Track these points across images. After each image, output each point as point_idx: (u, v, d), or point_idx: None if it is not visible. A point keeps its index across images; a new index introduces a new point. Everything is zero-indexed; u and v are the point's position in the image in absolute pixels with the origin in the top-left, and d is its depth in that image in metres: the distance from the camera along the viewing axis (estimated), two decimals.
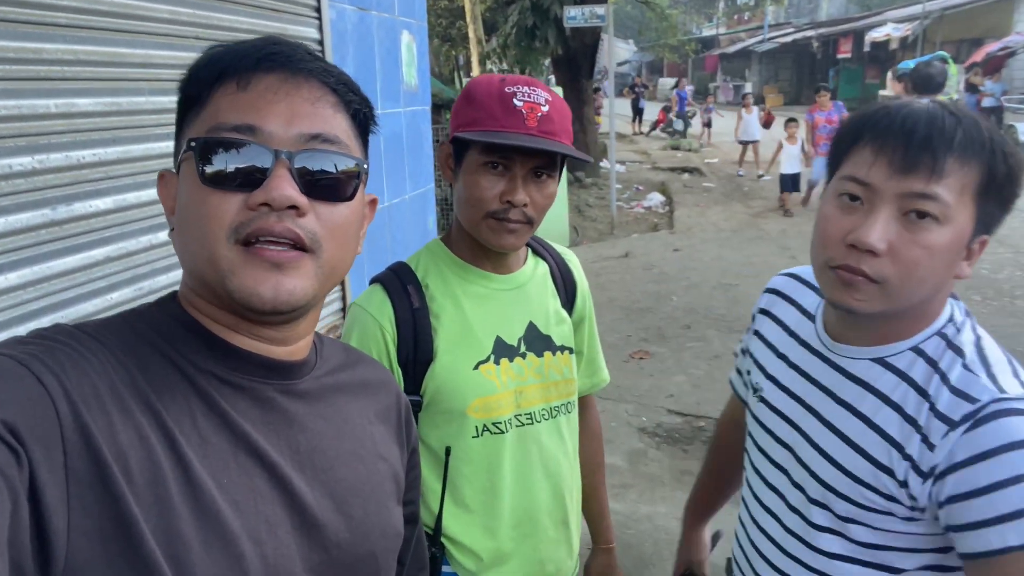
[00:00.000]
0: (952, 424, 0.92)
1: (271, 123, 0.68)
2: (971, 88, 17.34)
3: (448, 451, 1.27)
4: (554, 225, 8.57)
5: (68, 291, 1.81)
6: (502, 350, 1.30)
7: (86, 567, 0.56)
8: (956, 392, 0.94)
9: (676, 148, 17.28)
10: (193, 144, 0.67)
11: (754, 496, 1.23)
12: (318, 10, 2.91)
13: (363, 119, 0.78)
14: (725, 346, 5.33)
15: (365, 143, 0.80)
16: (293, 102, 0.69)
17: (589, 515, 1.56)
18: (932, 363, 0.98)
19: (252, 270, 0.66)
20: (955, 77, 14.26)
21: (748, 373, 1.28)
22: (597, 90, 18.50)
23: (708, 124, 18.82)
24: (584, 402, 1.55)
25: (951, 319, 1.02)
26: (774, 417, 1.17)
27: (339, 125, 0.73)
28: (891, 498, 0.98)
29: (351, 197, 0.73)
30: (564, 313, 1.41)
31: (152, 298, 0.75)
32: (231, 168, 0.66)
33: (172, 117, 0.75)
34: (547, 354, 1.35)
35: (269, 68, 0.70)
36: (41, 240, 1.76)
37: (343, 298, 3.19)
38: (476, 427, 1.26)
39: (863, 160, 0.95)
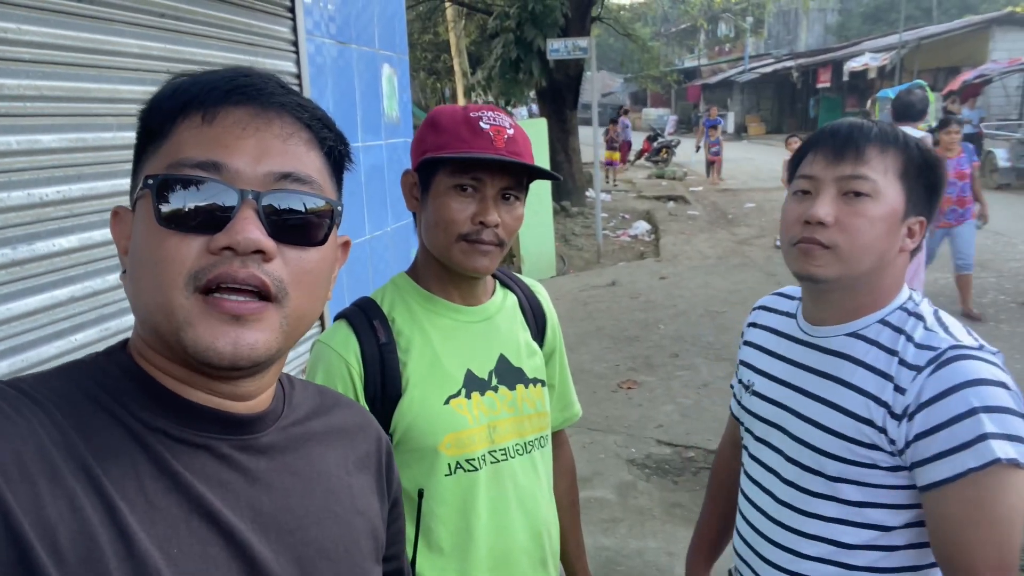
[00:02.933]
0: (918, 369, 1.10)
1: (238, 160, 0.63)
2: (948, 116, 17.65)
3: (421, 493, 1.22)
4: (541, 254, 8.56)
5: (29, 333, 1.75)
6: (473, 383, 1.26)
7: None
8: (920, 346, 1.12)
9: (661, 177, 17.43)
10: (151, 181, 0.62)
11: (751, 481, 1.35)
12: (295, 44, 2.90)
13: (338, 157, 0.73)
14: (713, 374, 5.29)
15: (339, 182, 0.75)
16: (263, 138, 0.65)
17: (564, 557, 1.51)
18: (897, 329, 1.16)
19: (210, 322, 0.61)
20: (933, 104, 14.53)
21: (741, 382, 1.42)
22: (614, 121, 18.58)
23: (714, 158, 16.55)
24: (557, 438, 1.51)
25: (910, 297, 1.21)
26: (765, 404, 1.32)
27: (312, 164, 0.68)
28: (873, 446, 1.13)
29: (323, 241, 0.68)
30: (535, 345, 1.39)
31: (118, 339, 0.69)
32: (191, 208, 0.61)
33: None
34: (519, 387, 1.31)
35: (238, 101, 0.65)
36: (5, 280, 1.70)
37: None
38: (448, 464, 1.22)
39: (807, 162, 1.20)
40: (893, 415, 1.11)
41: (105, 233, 1.94)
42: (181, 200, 0.61)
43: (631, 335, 6.36)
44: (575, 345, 6.04)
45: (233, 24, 2.52)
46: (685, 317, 6.81)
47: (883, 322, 1.18)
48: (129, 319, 2.03)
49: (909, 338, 1.14)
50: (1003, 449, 1.02)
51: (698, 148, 18.01)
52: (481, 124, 1.19)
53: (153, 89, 0.69)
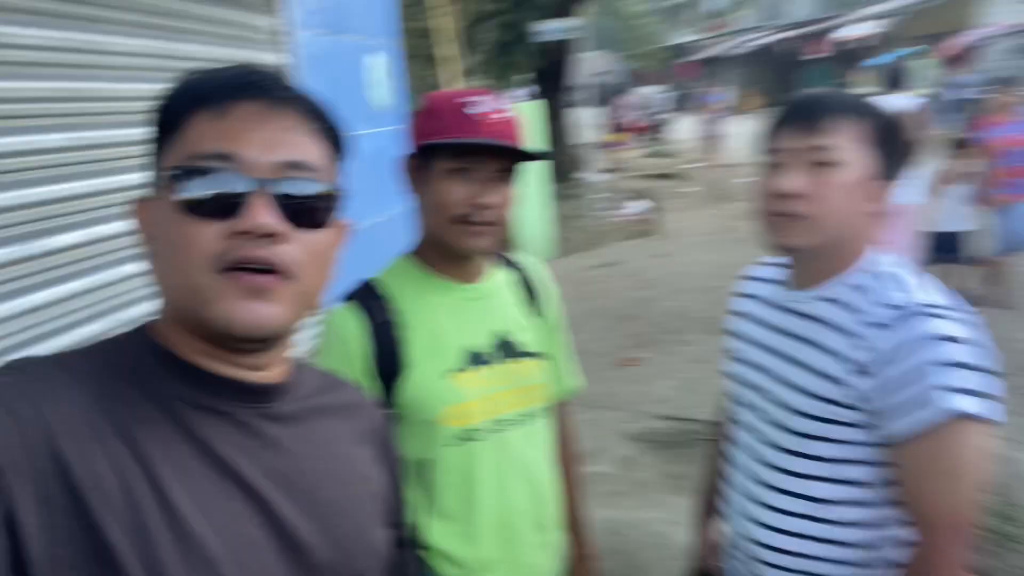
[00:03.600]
0: (882, 327, 1.14)
1: (249, 151, 0.68)
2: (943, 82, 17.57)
3: (425, 463, 1.29)
4: (539, 237, 8.60)
5: (44, 325, 1.82)
6: (472, 358, 1.32)
7: None
8: (883, 305, 1.16)
9: (657, 155, 17.40)
10: (170, 172, 0.68)
11: (734, 443, 1.40)
12: (286, 36, 2.94)
13: (339, 145, 0.79)
14: (712, 349, 5.31)
15: (340, 169, 0.81)
16: (271, 130, 0.70)
17: (567, 522, 1.57)
18: (862, 290, 1.21)
19: (230, 297, 0.67)
20: (928, 71, 14.46)
21: (730, 352, 1.47)
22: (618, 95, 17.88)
23: (710, 136, 16.32)
24: (560, 409, 1.57)
25: (881, 259, 1.25)
26: (747, 369, 1.38)
27: (316, 152, 0.74)
28: (840, 403, 1.18)
29: (328, 223, 0.74)
30: (532, 320, 1.44)
31: (127, 329, 0.75)
32: (209, 196, 0.67)
33: (140, 149, 0.76)
34: (516, 360, 1.37)
35: (247, 96, 0.70)
36: (15, 276, 1.77)
37: None
38: (449, 436, 1.28)
39: (775, 135, 1.24)
40: (858, 371, 1.15)
41: (111, 228, 2.00)
42: (199, 189, 0.67)
43: (629, 313, 6.42)
44: (575, 325, 6.04)
45: (225, 20, 2.56)
46: (682, 293, 6.86)
47: (852, 284, 1.22)
48: (134, 311, 2.10)
49: (875, 297, 1.18)
50: (960, 403, 1.05)
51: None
52: (472, 109, 1.23)
53: (150, 86, 0.74)
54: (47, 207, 1.88)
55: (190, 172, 0.67)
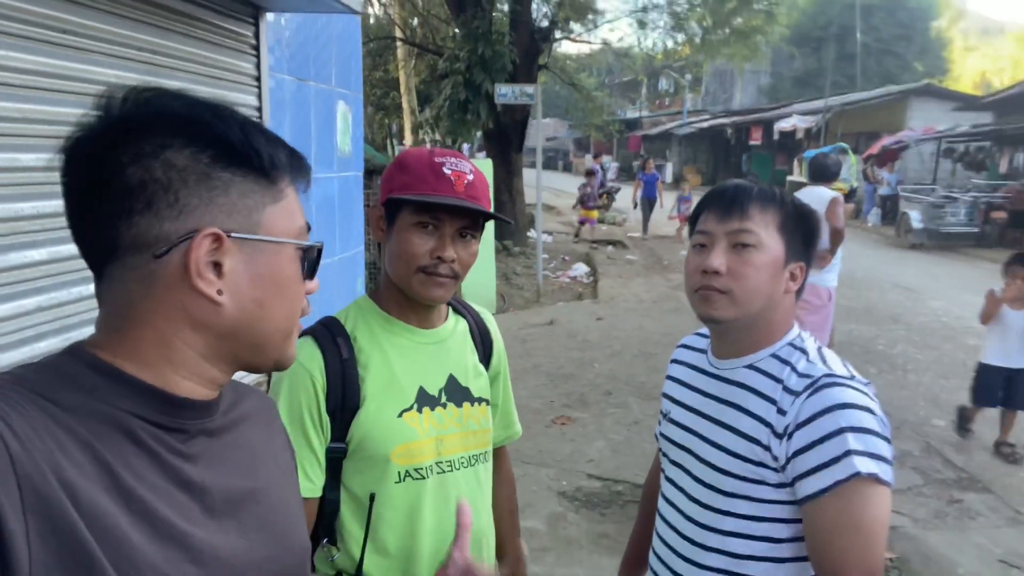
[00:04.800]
0: (797, 394, 1.24)
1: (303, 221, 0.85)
2: (867, 178, 18.74)
3: (372, 497, 1.32)
4: (482, 292, 8.69)
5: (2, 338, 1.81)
6: (424, 399, 1.38)
7: None
8: (800, 375, 1.27)
9: (601, 221, 17.84)
10: (308, 245, 0.83)
11: (664, 499, 1.47)
12: (258, 79, 3.03)
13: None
14: (644, 412, 5.49)
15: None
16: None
17: (503, 559, 1.63)
18: (784, 361, 1.32)
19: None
20: (855, 166, 15.39)
21: (661, 412, 1.55)
22: (591, 173, 15.90)
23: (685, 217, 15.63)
24: (498, 452, 1.64)
25: (799, 335, 1.37)
26: (677, 430, 1.46)
27: None
28: (761, 464, 1.27)
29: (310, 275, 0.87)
30: (481, 368, 1.52)
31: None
32: (314, 262, 0.84)
33: None
34: (466, 405, 1.43)
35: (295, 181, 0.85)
36: None
37: None
38: (399, 472, 1.33)
39: (702, 219, 1.37)
40: (776, 434, 1.24)
41: (72, 248, 1.98)
42: (310, 259, 0.82)
43: (567, 373, 6.53)
44: (513, 381, 6.07)
45: (202, 59, 2.64)
46: (619, 357, 7.02)
47: (774, 355, 1.32)
48: (87, 331, 2.08)
49: (793, 368, 1.28)
50: (865, 464, 1.14)
51: (635, 205, 16.82)
52: (444, 169, 1.31)
53: None
54: (12, 223, 1.89)
55: (315, 250, 0.83)
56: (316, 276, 0.83)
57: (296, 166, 0.81)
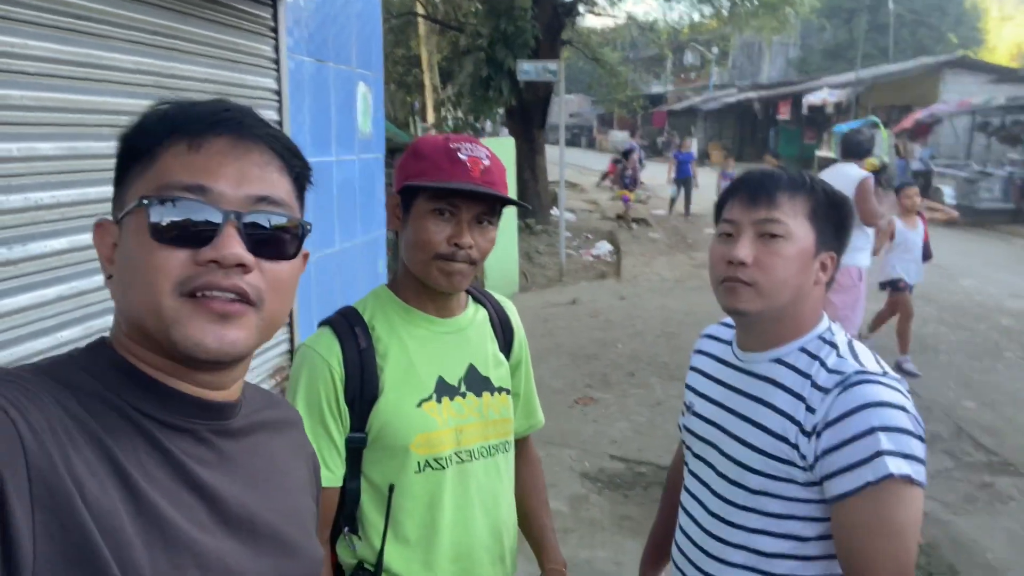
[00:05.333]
0: (827, 391, 1.20)
1: (221, 184, 0.72)
2: (899, 153, 18.34)
3: (392, 487, 1.33)
4: (504, 271, 8.69)
5: (21, 328, 1.83)
6: (443, 389, 1.37)
7: None
8: (830, 371, 1.23)
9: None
10: (145, 201, 0.70)
11: (688, 494, 1.45)
12: (276, 61, 3.01)
13: (302, 181, 0.84)
14: (667, 393, 5.46)
15: (303, 202, 0.86)
16: (243, 165, 0.74)
17: (531, 538, 1.62)
18: (813, 355, 1.28)
19: (197, 321, 0.70)
20: (887, 141, 15.06)
21: (684, 404, 1.52)
22: (629, 152, 15.14)
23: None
24: (522, 442, 1.63)
25: (828, 328, 1.32)
26: (701, 423, 1.43)
27: (283, 187, 0.78)
28: (789, 462, 1.24)
29: (293, 255, 0.78)
30: (502, 357, 1.50)
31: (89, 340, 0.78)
32: (182, 225, 0.70)
33: None
34: (486, 394, 1.42)
35: (221, 131, 0.73)
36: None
37: (291, 339, 3.23)
38: (418, 463, 1.33)
39: (728, 207, 1.32)
40: (804, 432, 1.20)
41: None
42: (173, 219, 0.70)
43: (589, 353, 6.51)
44: (535, 361, 6.10)
45: (220, 42, 2.63)
46: (642, 337, 6.99)
47: (802, 349, 1.28)
48: (109, 320, 2.09)
49: (822, 363, 1.24)
50: (897, 465, 1.10)
51: (677, 187, 15.66)
52: (460, 154, 1.29)
53: (144, 102, 0.77)
54: (34, 212, 1.90)
55: (165, 202, 0.70)
56: (218, 235, 0.71)
57: (170, 124, 0.74)
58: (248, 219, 0.73)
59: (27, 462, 0.59)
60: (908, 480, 1.12)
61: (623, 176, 14.66)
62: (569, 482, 4.20)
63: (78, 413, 0.66)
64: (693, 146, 15.96)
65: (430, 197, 1.29)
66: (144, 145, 0.73)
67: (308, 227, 0.81)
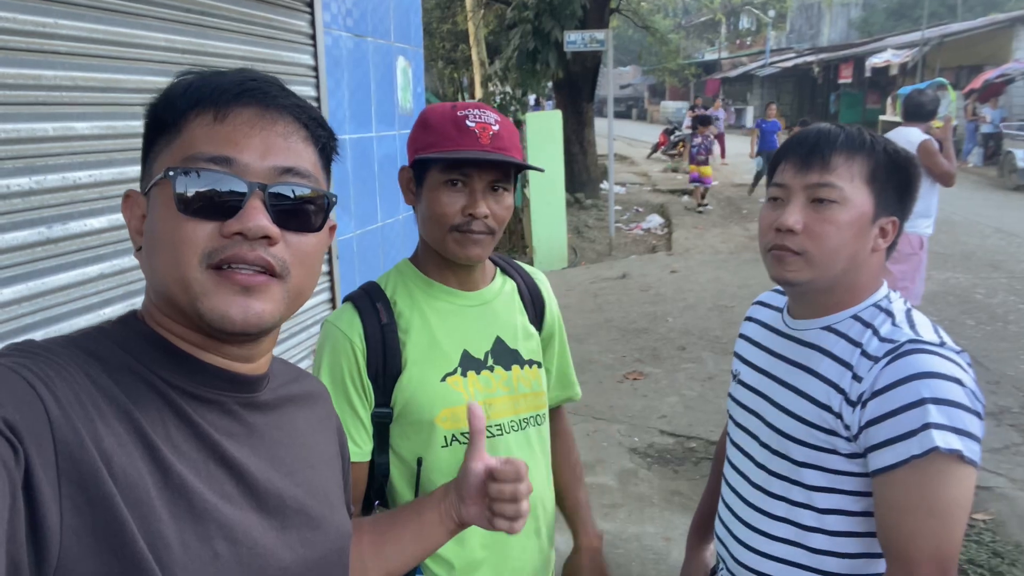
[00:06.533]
0: (876, 360, 1.14)
1: (247, 156, 0.72)
2: (968, 115, 17.50)
3: (420, 461, 1.32)
4: (553, 246, 8.64)
5: (63, 306, 1.87)
6: (469, 363, 1.36)
7: (79, 565, 0.59)
8: (882, 339, 1.17)
9: (675, 170, 17.40)
10: (171, 172, 0.70)
11: (730, 465, 1.41)
12: (313, 37, 3.00)
13: (328, 152, 0.82)
14: (719, 367, 5.37)
15: (329, 173, 0.84)
16: (267, 136, 0.73)
17: (565, 512, 1.60)
18: (867, 324, 1.21)
19: (223, 293, 0.70)
20: (955, 103, 14.38)
21: (733, 374, 1.48)
22: (706, 122, 12.97)
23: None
24: (556, 412, 1.61)
25: (886, 296, 1.25)
26: (746, 392, 1.39)
27: (309, 159, 0.77)
28: (832, 432, 1.18)
29: (319, 227, 0.77)
30: (532, 329, 1.48)
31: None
32: (207, 197, 0.70)
33: None
34: (515, 368, 1.41)
35: (246, 102, 0.73)
36: (37, 257, 1.83)
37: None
38: (445, 437, 1.32)
39: (779, 170, 1.25)
40: (849, 402, 1.15)
41: None
42: (199, 190, 0.70)
43: (639, 327, 6.44)
44: (584, 336, 6.14)
45: (254, 18, 2.63)
46: (694, 311, 6.87)
47: (855, 317, 1.22)
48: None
49: (875, 332, 1.18)
50: (946, 440, 1.04)
51: (761, 159, 13.58)
52: (468, 122, 1.26)
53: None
54: (73, 192, 1.94)
55: (190, 173, 0.70)
56: (243, 207, 0.70)
57: (195, 96, 0.73)
58: (273, 191, 0.72)
59: (53, 436, 0.59)
60: (958, 456, 1.05)
61: (696, 150, 12.05)
62: (618, 457, 4.18)
63: (106, 385, 0.67)
64: (744, 113, 14.59)
65: (441, 168, 1.27)
66: (170, 117, 0.73)
67: (334, 199, 0.79)
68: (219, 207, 0.70)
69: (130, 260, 2.08)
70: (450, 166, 1.27)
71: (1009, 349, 5.61)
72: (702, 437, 4.38)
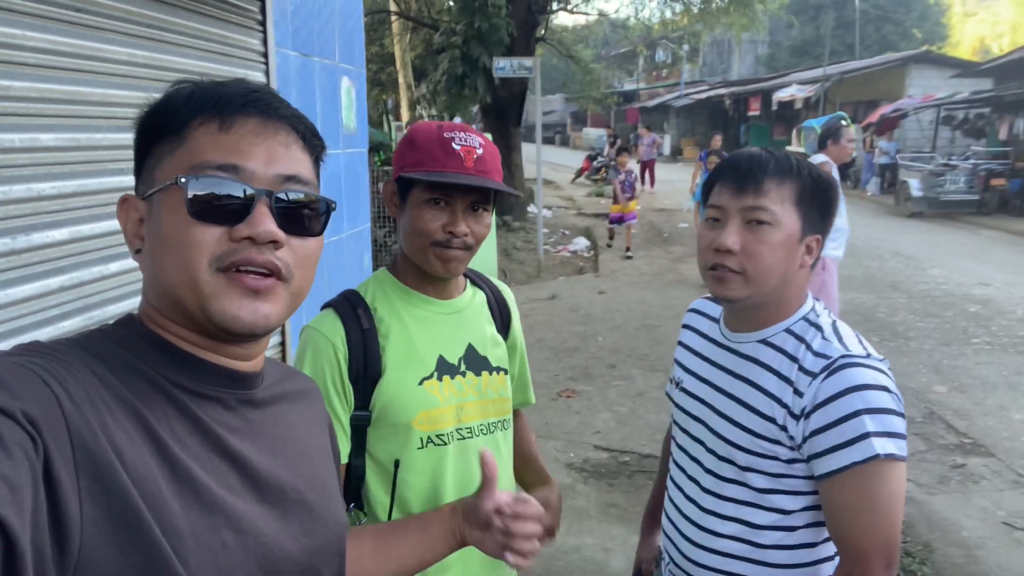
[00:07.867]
0: (814, 375, 1.25)
1: (252, 164, 0.75)
2: (866, 147, 18.67)
3: (396, 463, 1.37)
4: (483, 267, 8.64)
5: (24, 318, 1.83)
6: (444, 368, 1.42)
7: (99, 555, 0.61)
8: (816, 354, 1.27)
9: (600, 195, 17.83)
10: (183, 179, 0.73)
11: (677, 467, 1.50)
12: (265, 55, 3.02)
13: (319, 160, 0.88)
14: (648, 384, 5.55)
15: (319, 180, 0.90)
16: (271, 146, 0.77)
17: (529, 473, 1.71)
18: (799, 337, 1.31)
19: (232, 296, 0.73)
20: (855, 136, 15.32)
21: (672, 379, 1.57)
22: (624, 151, 11.81)
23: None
24: (517, 415, 1.71)
25: (813, 309, 1.36)
26: (690, 400, 1.48)
27: (307, 167, 0.81)
28: (775, 441, 1.29)
29: (319, 232, 0.82)
30: (499, 338, 1.56)
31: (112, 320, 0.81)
32: (217, 203, 0.73)
33: (127, 153, 0.80)
34: (484, 373, 1.48)
35: (250, 112, 0.76)
36: (1, 268, 1.80)
37: (281, 331, 3.23)
38: (421, 439, 1.37)
39: (716, 192, 1.34)
40: (792, 415, 1.26)
41: (93, 227, 2.04)
42: (208, 195, 0.72)
43: (571, 346, 6.59)
44: None
45: (210, 35, 2.64)
46: (622, 330, 7.08)
47: (788, 331, 1.33)
48: (111, 309, 2.12)
49: (808, 346, 1.29)
50: (882, 445, 1.17)
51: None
52: (453, 144, 1.32)
53: (139, 94, 0.82)
54: (35, 203, 1.91)
55: (199, 178, 0.72)
56: (252, 213, 0.74)
57: (198, 104, 0.76)
58: (279, 197, 0.76)
59: (68, 429, 0.61)
60: (892, 457, 1.18)
61: (623, 185, 10.85)
62: (555, 473, 4.23)
63: (112, 382, 0.69)
64: (719, 143, 13.29)
65: (425, 188, 1.33)
66: (172, 124, 0.76)
67: (333, 205, 0.84)
68: (228, 212, 0.73)
69: (88, 273, 2.06)
70: (434, 186, 1.32)
71: (910, 364, 6.04)
72: (635, 451, 4.51)
